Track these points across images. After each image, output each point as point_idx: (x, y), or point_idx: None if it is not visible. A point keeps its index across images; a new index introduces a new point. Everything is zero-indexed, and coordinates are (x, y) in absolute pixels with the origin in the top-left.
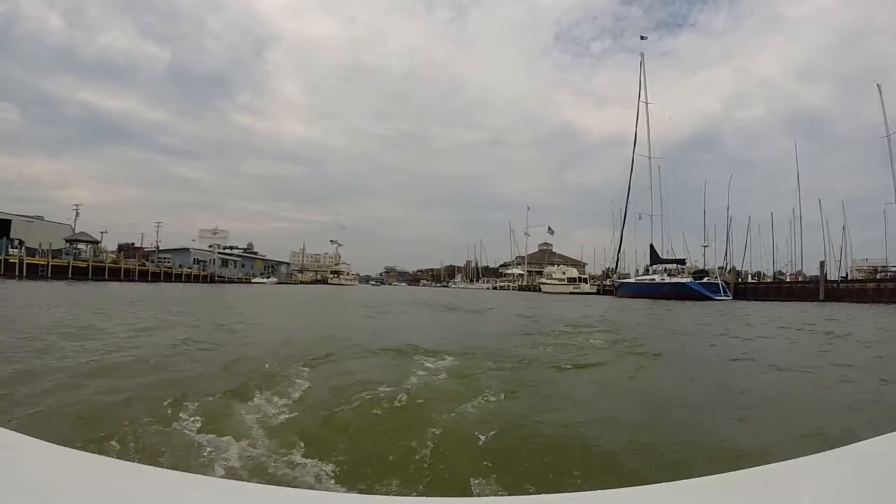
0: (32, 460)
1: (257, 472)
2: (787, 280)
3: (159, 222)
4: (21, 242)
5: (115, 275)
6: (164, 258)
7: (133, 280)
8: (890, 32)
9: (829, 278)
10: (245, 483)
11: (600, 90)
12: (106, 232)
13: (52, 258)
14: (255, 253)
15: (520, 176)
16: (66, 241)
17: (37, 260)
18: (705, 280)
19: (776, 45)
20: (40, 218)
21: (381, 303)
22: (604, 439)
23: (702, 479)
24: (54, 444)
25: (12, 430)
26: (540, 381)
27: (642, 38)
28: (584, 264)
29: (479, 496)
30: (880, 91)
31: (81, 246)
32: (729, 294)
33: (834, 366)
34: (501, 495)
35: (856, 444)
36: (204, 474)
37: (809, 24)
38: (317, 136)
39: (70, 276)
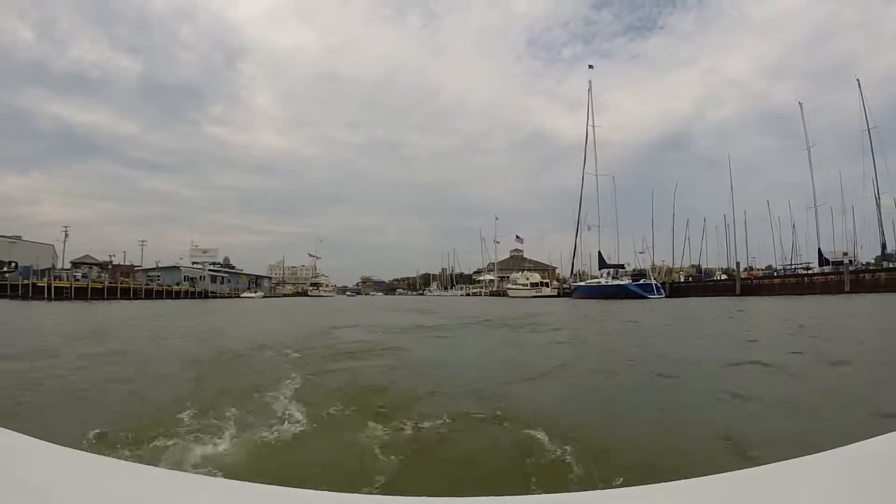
0: (32, 460)
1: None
2: (712, 279)
3: (143, 241)
4: (16, 264)
5: (126, 294)
6: (156, 276)
7: (140, 298)
8: (858, 29)
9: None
10: (245, 483)
11: (572, 94)
12: (114, 255)
13: (74, 282)
14: (233, 267)
15: (494, 181)
16: (73, 263)
17: (62, 283)
18: (642, 281)
19: (745, 46)
20: (19, 237)
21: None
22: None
23: (702, 479)
24: (54, 444)
25: (12, 430)
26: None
27: (590, 66)
28: (555, 268)
29: (480, 496)
30: (801, 109)
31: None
32: (663, 293)
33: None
34: (502, 495)
35: (856, 444)
36: (204, 474)
37: (777, 24)
38: (291, 146)
39: (88, 296)
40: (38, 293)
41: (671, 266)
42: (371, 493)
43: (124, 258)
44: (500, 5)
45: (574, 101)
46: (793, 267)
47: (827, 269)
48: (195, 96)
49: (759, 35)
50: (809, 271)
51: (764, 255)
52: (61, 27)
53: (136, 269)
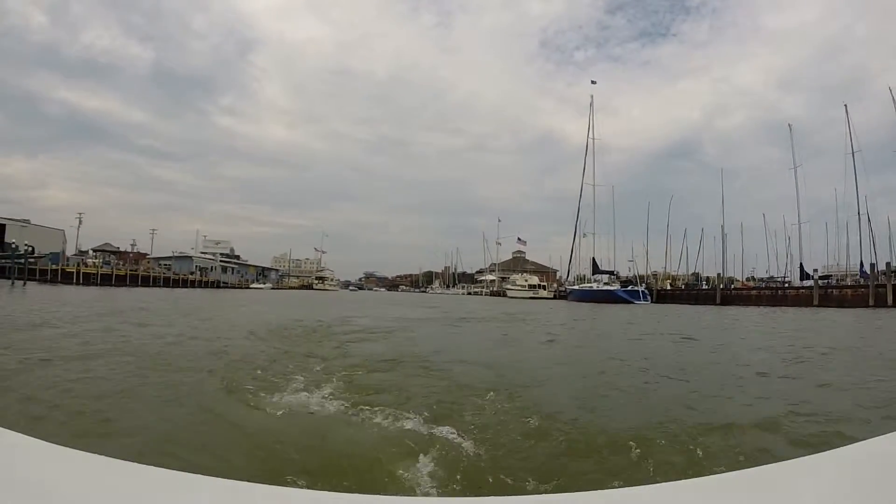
0: (32, 460)
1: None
2: (695, 288)
3: (154, 230)
4: (33, 248)
5: (146, 281)
6: (167, 265)
7: (159, 286)
8: (869, 45)
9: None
10: (245, 483)
11: (582, 98)
12: (134, 244)
13: (101, 268)
14: (238, 257)
15: (501, 182)
16: (93, 250)
17: (90, 269)
18: (629, 288)
19: (757, 56)
20: (28, 221)
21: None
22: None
23: (702, 479)
24: (54, 444)
25: (12, 430)
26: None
27: (592, 82)
28: (556, 271)
29: (479, 496)
30: (791, 129)
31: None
32: (649, 299)
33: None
34: (501, 495)
35: (856, 444)
36: (204, 474)
37: (791, 36)
38: (299, 139)
39: (113, 282)
40: (66, 278)
41: (671, 273)
42: (371, 494)
43: (134, 245)
44: (514, 6)
45: (584, 104)
46: (781, 279)
47: (807, 283)
48: (205, 86)
49: (771, 46)
50: (786, 285)
51: (763, 265)
52: (74, 12)
53: (146, 257)
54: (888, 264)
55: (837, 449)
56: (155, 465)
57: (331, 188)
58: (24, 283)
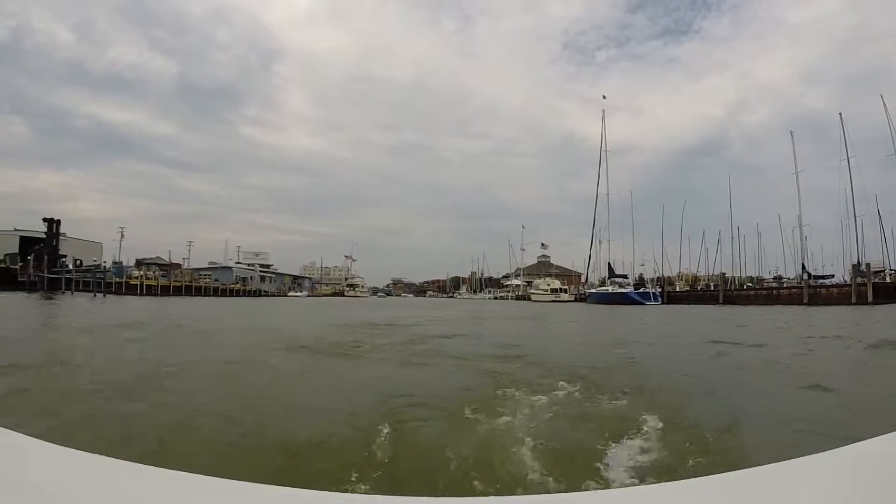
0: (33, 460)
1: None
2: (700, 288)
3: (191, 242)
4: (82, 262)
5: (197, 291)
6: (208, 275)
7: (209, 295)
8: (892, 36)
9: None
10: (245, 483)
11: (606, 99)
12: (187, 258)
13: (160, 280)
14: (269, 266)
15: (525, 185)
16: (138, 262)
17: (151, 281)
18: (641, 290)
19: (780, 50)
20: (64, 234)
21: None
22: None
23: (702, 479)
24: (54, 444)
25: (13, 430)
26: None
27: (604, 97)
28: (580, 274)
29: (480, 496)
30: (792, 136)
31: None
32: (659, 300)
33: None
34: (501, 495)
35: (856, 444)
36: (204, 475)
37: (812, 29)
38: (323, 147)
39: (171, 292)
40: (129, 289)
41: (692, 274)
42: (371, 493)
43: (186, 259)
44: (535, 9)
45: (607, 105)
46: (790, 278)
47: (802, 282)
48: (230, 97)
49: (793, 39)
50: (783, 284)
51: (787, 264)
52: (100, 28)
53: (181, 267)
54: (868, 265)
55: (837, 449)
56: (155, 465)
57: (356, 195)
58: (105, 295)
